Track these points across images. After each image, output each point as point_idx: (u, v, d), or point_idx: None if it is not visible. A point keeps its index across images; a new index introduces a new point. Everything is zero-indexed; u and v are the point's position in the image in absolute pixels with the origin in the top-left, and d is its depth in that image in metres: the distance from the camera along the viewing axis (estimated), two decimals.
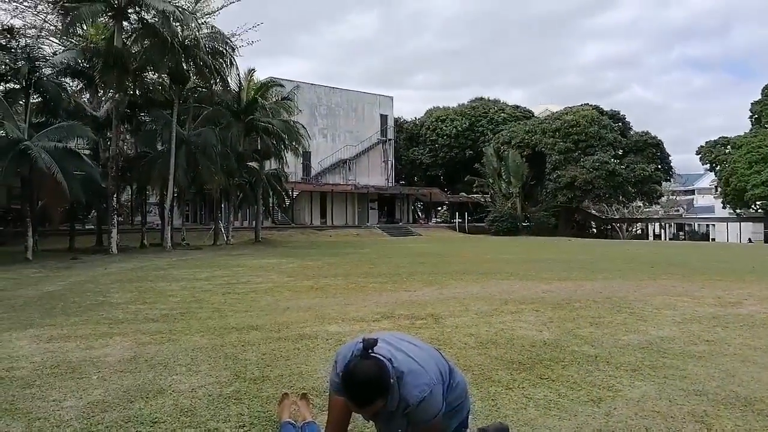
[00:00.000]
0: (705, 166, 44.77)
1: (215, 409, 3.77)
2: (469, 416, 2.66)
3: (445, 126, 48.01)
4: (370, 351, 2.26)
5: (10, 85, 20.70)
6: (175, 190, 22.92)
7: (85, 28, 20.32)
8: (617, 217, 47.99)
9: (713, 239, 43.87)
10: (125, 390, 4.21)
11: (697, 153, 44.00)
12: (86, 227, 28.51)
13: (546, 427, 3.47)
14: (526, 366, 4.73)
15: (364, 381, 2.19)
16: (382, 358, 2.26)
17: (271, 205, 32.29)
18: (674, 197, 61.41)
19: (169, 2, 19.38)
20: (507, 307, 7.62)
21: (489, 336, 5.84)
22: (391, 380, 2.23)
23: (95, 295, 9.54)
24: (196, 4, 21.90)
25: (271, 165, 29.04)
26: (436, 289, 9.96)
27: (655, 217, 50.18)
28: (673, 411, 3.74)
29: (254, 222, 28.32)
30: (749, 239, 40.24)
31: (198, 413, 3.72)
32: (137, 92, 23.55)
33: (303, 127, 28.05)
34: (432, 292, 9.53)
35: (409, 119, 53.22)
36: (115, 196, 21.82)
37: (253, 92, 25.61)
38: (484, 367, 4.68)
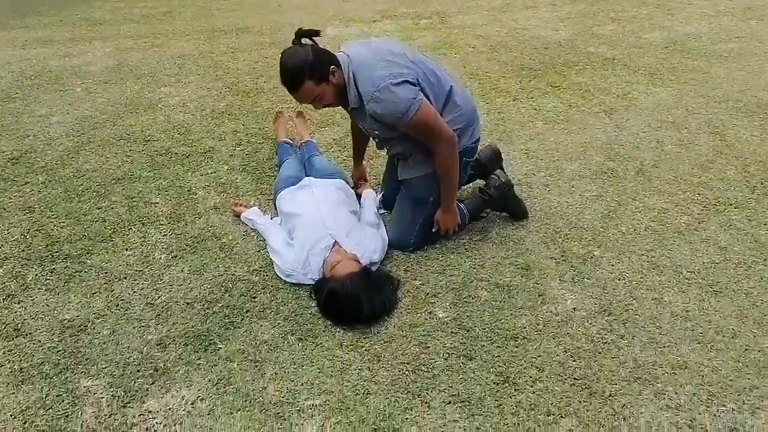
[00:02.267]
0: None
1: (209, 126, 3.61)
2: (478, 144, 2.45)
3: None
4: (297, 40, 2.12)
5: None
6: None
7: None
8: None
9: None
10: (113, 104, 4.01)
11: None
12: None
13: (554, 141, 3.33)
14: (536, 72, 4.40)
15: (281, 64, 2.09)
16: (311, 46, 2.12)
17: None
18: None
19: None
20: (521, 1, 6.89)
21: (499, 37, 5.36)
22: (348, 75, 2.11)
23: None
24: None
25: None
26: None
27: None
28: (688, 121, 3.55)
29: None
30: None
31: (192, 130, 3.57)
32: None
33: None
34: None
35: None
36: None
37: None
38: (492, 74, 4.36)
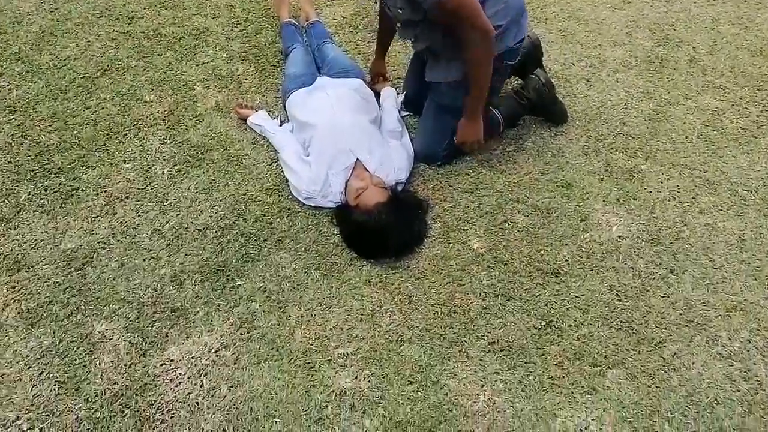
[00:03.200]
0: None
1: (200, 1, 3.15)
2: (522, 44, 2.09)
3: None
4: None
5: None
6: None
7: None
8: None
9: None
10: None
11: None
12: None
13: (595, 20, 2.91)
14: None
15: None
16: None
17: None
18: None
19: None
20: None
21: None
22: None
23: None
24: None
25: None
26: None
27: None
28: None
29: None
30: None
31: (180, 4, 3.11)
32: None
33: None
34: None
35: None
36: None
37: None
38: None
